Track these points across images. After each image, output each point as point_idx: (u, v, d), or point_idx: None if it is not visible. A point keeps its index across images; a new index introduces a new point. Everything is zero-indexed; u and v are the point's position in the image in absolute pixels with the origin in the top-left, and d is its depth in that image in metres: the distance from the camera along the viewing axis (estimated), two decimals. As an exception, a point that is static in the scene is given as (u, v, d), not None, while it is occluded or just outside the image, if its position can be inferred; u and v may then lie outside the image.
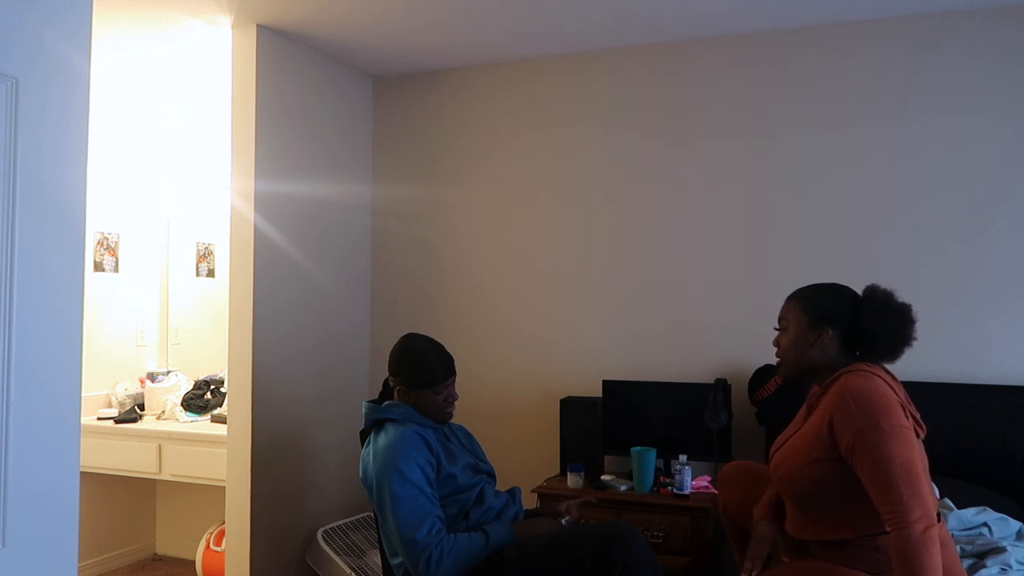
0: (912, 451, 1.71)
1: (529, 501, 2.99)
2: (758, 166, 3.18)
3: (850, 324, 1.91)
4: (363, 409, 2.45)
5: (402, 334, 2.50)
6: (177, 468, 3.49)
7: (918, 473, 1.69)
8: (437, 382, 2.37)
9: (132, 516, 4.05)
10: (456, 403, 2.45)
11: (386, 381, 2.50)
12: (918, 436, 1.81)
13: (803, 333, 1.94)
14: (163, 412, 3.78)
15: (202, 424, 3.63)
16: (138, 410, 3.81)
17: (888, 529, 1.67)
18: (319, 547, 3.18)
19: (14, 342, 1.15)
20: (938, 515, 1.81)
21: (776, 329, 2.04)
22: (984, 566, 2.10)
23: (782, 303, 2.05)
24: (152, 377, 3.96)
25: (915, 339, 1.88)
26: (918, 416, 1.84)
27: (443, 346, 2.45)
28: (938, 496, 2.41)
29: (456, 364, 2.48)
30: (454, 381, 2.43)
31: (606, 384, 3.19)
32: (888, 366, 1.93)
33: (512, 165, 3.56)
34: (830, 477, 1.81)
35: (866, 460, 1.71)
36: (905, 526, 1.63)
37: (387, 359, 2.46)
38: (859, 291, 1.96)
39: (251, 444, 3.04)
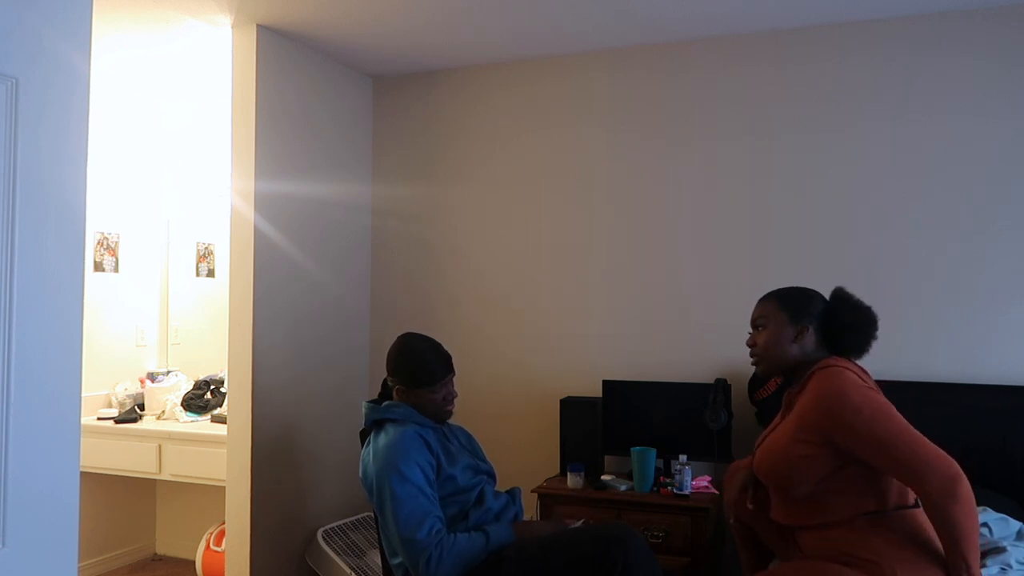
0: (900, 421, 1.77)
1: (529, 501, 2.99)
2: (758, 166, 3.18)
3: (824, 322, 2.00)
4: (363, 409, 2.45)
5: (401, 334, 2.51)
6: (177, 468, 3.49)
7: (916, 438, 1.74)
8: (436, 380, 2.37)
9: (132, 516, 4.05)
10: (456, 402, 2.45)
11: (385, 381, 2.50)
12: None
13: (783, 330, 2.00)
14: (163, 412, 3.78)
15: (202, 424, 3.63)
16: (138, 410, 3.81)
17: (923, 503, 1.72)
18: (319, 547, 3.18)
19: (14, 342, 1.15)
20: (916, 502, 1.85)
21: (750, 332, 2.08)
22: (984, 566, 2.10)
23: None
24: (152, 377, 3.96)
25: (877, 337, 1.99)
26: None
27: (440, 344, 2.46)
28: None
29: (456, 364, 2.48)
30: (453, 379, 2.43)
31: (606, 384, 3.19)
32: (862, 364, 2.00)
33: (512, 165, 3.56)
34: (811, 465, 1.86)
35: (868, 449, 1.77)
36: (925, 495, 1.69)
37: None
38: (820, 292, 2.06)
39: (251, 444, 3.04)
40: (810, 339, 1.99)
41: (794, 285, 2.13)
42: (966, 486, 1.67)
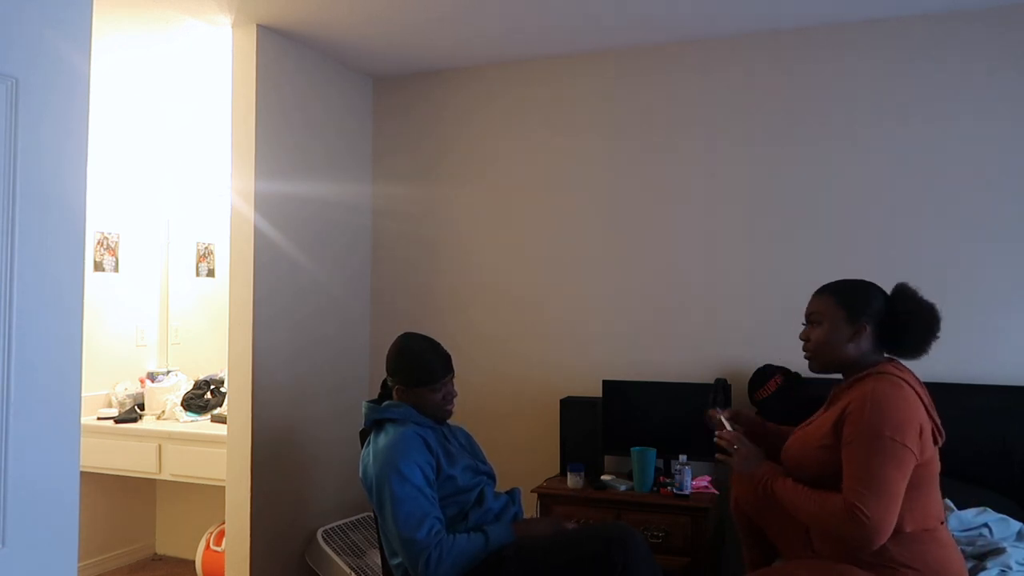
0: (899, 472, 1.74)
1: (529, 501, 2.99)
2: (759, 166, 3.17)
3: (883, 320, 1.92)
4: (363, 409, 2.45)
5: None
6: (177, 468, 3.49)
7: (892, 491, 1.72)
8: (435, 380, 2.37)
9: (132, 516, 4.05)
10: (456, 402, 2.45)
11: (384, 382, 2.50)
12: (936, 443, 1.84)
13: (840, 328, 1.93)
14: (163, 412, 3.78)
15: (202, 424, 3.63)
16: (138, 410, 3.80)
17: (844, 508, 1.73)
18: (319, 547, 3.18)
19: (14, 342, 1.15)
20: (943, 521, 1.84)
21: (804, 324, 2.02)
22: (984, 567, 2.09)
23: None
24: (152, 377, 3.96)
25: (939, 336, 1.93)
26: (938, 421, 1.87)
27: (440, 344, 2.45)
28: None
29: (456, 364, 2.48)
30: (452, 378, 2.42)
31: (606, 384, 3.19)
32: (910, 365, 1.95)
33: (512, 165, 3.56)
34: (833, 464, 1.84)
35: (855, 454, 1.76)
36: (857, 519, 1.70)
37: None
38: (879, 286, 1.99)
39: (251, 444, 3.04)
40: (867, 339, 1.91)
41: (849, 278, 2.03)
42: (870, 538, 1.70)
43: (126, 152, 4.05)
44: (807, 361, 2.04)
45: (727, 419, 2.15)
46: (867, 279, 2.03)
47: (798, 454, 1.94)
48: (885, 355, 1.97)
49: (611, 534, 2.10)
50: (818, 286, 2.08)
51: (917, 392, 1.85)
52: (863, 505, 1.70)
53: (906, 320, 1.90)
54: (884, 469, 1.72)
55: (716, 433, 2.11)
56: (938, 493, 1.87)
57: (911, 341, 1.90)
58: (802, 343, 2.03)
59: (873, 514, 1.69)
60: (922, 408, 1.83)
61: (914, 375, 1.91)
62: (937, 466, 1.84)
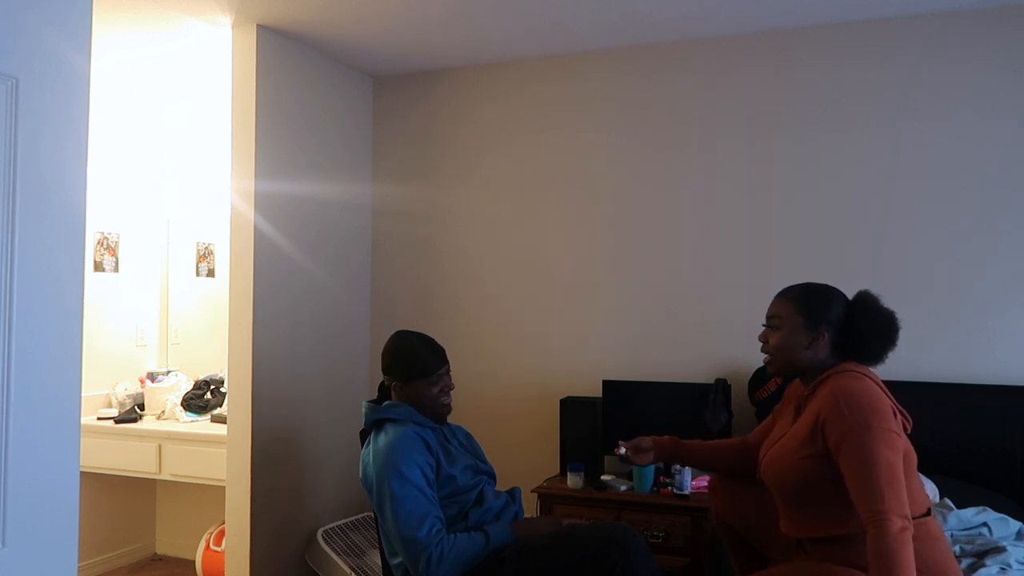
0: (897, 455, 1.73)
1: (529, 501, 2.99)
2: (758, 166, 3.18)
3: (842, 328, 1.92)
4: (363, 409, 2.45)
5: (400, 334, 2.51)
6: (177, 468, 3.49)
7: (900, 477, 1.70)
8: (430, 371, 2.37)
9: (132, 516, 4.04)
10: (455, 401, 2.45)
11: (382, 383, 2.50)
12: (905, 430, 1.83)
13: (797, 334, 1.93)
14: (163, 412, 3.78)
15: (202, 424, 3.62)
16: (138, 410, 3.80)
17: (866, 526, 1.67)
18: (319, 547, 3.18)
19: (14, 342, 1.15)
20: (928, 510, 1.83)
21: (764, 325, 2.02)
22: (984, 565, 2.10)
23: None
24: (152, 377, 3.96)
25: (896, 345, 1.91)
26: (904, 411, 1.86)
27: (433, 338, 2.46)
28: (935, 494, 2.42)
29: (456, 364, 2.48)
30: (448, 370, 2.42)
31: (606, 384, 3.19)
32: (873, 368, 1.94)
33: (512, 165, 3.56)
34: (819, 473, 1.82)
35: (852, 458, 1.72)
36: (884, 524, 1.64)
37: (383, 359, 2.47)
38: (843, 292, 1.98)
39: (251, 444, 3.04)
40: (824, 346, 1.91)
41: (814, 283, 2.01)
42: (902, 531, 1.63)
43: (126, 152, 4.04)
44: (765, 363, 2.03)
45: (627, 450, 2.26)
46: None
47: (780, 468, 1.91)
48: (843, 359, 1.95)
49: (610, 535, 2.10)
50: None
51: (879, 386, 1.85)
52: (882, 508, 1.66)
53: (863, 330, 1.89)
54: (884, 456, 1.70)
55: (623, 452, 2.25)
56: (919, 482, 1.87)
57: (867, 351, 1.90)
58: (761, 344, 2.02)
59: (897, 513, 1.65)
60: (888, 403, 1.83)
61: (874, 374, 1.90)
62: (914, 455, 1.84)
